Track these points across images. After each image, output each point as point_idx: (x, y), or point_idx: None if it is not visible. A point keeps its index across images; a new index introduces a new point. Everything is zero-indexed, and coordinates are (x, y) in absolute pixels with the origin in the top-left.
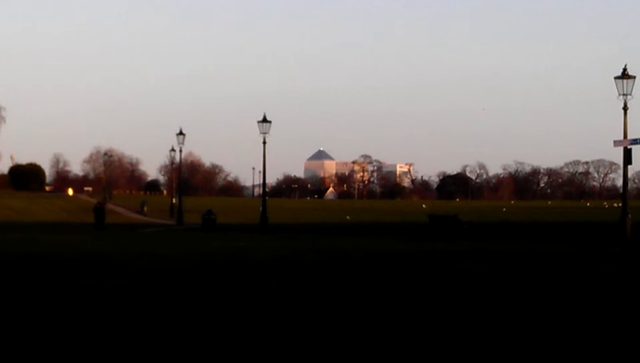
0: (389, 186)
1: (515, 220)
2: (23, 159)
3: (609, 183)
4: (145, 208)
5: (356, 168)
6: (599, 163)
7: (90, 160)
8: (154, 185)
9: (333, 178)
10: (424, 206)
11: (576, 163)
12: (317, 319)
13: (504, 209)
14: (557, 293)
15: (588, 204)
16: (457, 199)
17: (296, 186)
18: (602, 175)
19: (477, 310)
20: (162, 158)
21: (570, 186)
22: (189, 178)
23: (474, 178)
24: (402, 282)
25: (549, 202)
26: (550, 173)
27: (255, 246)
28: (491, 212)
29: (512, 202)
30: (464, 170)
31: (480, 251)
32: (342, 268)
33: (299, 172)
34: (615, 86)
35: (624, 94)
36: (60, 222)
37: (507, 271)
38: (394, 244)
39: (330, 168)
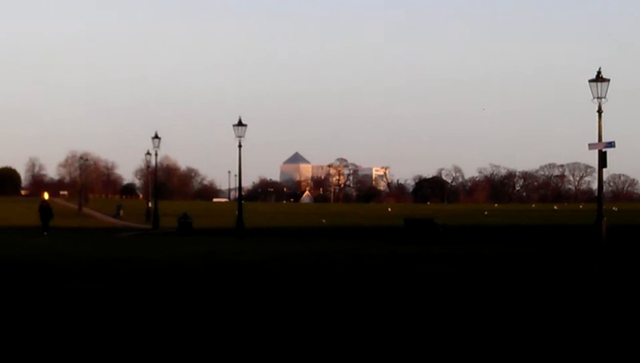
0: (364, 189)
1: (491, 223)
2: None
3: (584, 186)
4: (121, 212)
5: (332, 171)
6: (574, 166)
7: (65, 164)
8: (129, 189)
9: (309, 181)
10: (389, 209)
11: (552, 166)
12: (295, 321)
13: (486, 212)
14: (525, 295)
15: (555, 207)
16: (428, 203)
17: (272, 189)
18: (578, 178)
19: (445, 310)
20: (138, 162)
21: (546, 189)
22: (165, 181)
23: (449, 181)
24: (373, 285)
25: (533, 205)
26: (526, 176)
27: (232, 250)
28: (467, 216)
29: (496, 205)
30: (440, 173)
31: (453, 255)
32: (320, 271)
33: (275, 175)
34: (589, 89)
35: (598, 97)
36: (32, 226)
37: (479, 274)
38: (369, 247)
39: (306, 172)
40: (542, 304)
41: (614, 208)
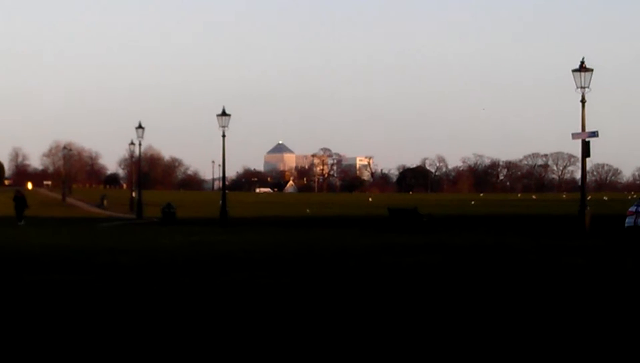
0: (348, 179)
1: (475, 213)
2: None
3: (567, 176)
4: (105, 202)
5: (316, 161)
6: (557, 156)
7: (49, 154)
8: (113, 179)
9: (293, 171)
10: (370, 199)
11: (535, 155)
12: (278, 311)
13: (473, 202)
14: (504, 284)
15: (534, 196)
16: (410, 193)
17: (256, 179)
18: (561, 168)
19: (425, 298)
20: (122, 152)
21: (530, 178)
22: (149, 171)
23: (433, 171)
24: (359, 275)
25: (519, 195)
26: (510, 165)
27: (214, 240)
28: (451, 205)
29: (481, 195)
30: (424, 163)
31: (436, 244)
32: (305, 261)
33: (259, 165)
34: (573, 79)
35: (581, 87)
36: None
37: (461, 263)
38: (354, 237)
39: (290, 161)
40: (524, 293)
41: (604, 198)
